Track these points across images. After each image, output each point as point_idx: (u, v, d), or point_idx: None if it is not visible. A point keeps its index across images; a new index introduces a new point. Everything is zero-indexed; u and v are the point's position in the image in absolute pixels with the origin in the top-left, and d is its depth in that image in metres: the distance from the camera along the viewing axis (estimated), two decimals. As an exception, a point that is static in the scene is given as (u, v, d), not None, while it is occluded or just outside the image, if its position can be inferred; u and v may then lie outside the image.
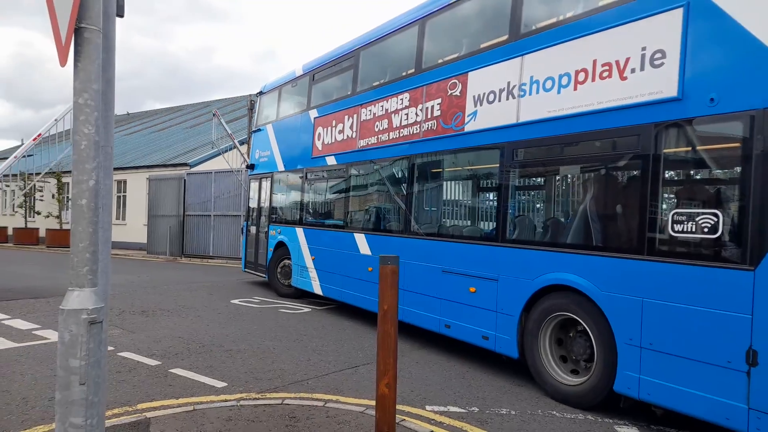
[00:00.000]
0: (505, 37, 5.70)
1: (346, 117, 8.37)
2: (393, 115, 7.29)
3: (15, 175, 25.80)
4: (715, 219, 3.80)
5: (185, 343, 6.39)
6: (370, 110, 7.80)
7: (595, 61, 4.67)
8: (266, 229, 11.20)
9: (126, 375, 5.10)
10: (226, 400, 4.44)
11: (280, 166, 10.62)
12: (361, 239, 7.97)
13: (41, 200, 25.12)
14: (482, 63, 5.90)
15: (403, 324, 6.88)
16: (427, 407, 4.53)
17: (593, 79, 4.68)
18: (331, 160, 8.88)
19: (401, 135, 7.15)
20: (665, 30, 4.17)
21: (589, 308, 4.62)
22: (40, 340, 6.36)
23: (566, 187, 5.66)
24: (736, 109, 3.75)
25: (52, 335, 6.58)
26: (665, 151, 4.18)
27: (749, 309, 3.57)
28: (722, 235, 3.78)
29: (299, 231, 9.79)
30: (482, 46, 6.10)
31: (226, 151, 18.86)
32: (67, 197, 24.32)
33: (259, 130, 11.59)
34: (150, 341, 6.43)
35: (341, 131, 8.51)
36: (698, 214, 3.91)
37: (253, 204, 11.97)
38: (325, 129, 8.95)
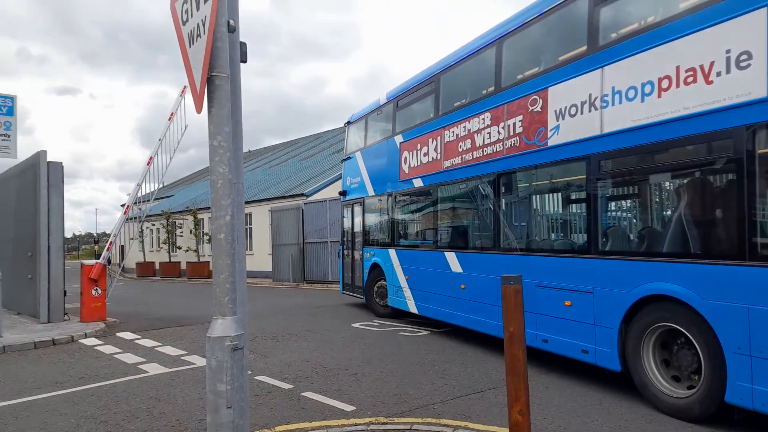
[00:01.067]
0: (583, 51, 5.75)
1: (430, 140, 8.66)
2: (476, 134, 7.47)
3: (159, 215, 28.95)
4: None
5: (313, 367, 6.62)
6: (453, 131, 8.03)
7: (678, 67, 4.64)
8: (361, 252, 11.65)
9: (263, 398, 5.37)
10: (356, 425, 4.49)
11: (370, 191, 11.07)
12: (451, 257, 8.13)
13: (181, 236, 27.88)
14: (562, 77, 5.96)
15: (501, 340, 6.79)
16: (564, 435, 4.23)
17: (677, 85, 4.65)
18: (417, 182, 9.19)
19: (485, 153, 7.28)
20: (749, 31, 4.09)
21: (692, 318, 4.49)
22: (187, 365, 6.95)
23: (658, 195, 5.53)
24: None
25: (197, 360, 7.16)
26: (760, 152, 4.03)
27: None
28: None
29: (392, 252, 10.13)
30: (560, 60, 6.18)
31: None
32: (203, 232, 26.77)
33: (349, 158, 12.10)
34: (282, 365, 6.75)
35: (426, 153, 8.81)
36: None
37: (347, 228, 12.50)
38: (411, 152, 9.31)
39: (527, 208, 7.01)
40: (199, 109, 2.65)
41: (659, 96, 4.80)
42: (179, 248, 27.83)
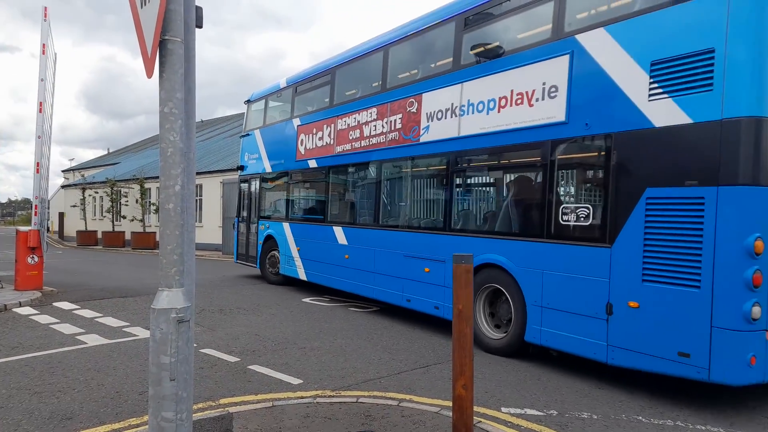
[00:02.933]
0: (449, 67, 7.03)
1: (325, 126, 9.70)
2: (364, 126, 8.61)
3: (103, 182, 27.72)
4: (588, 211, 5.24)
5: (261, 341, 6.60)
6: (345, 121, 9.12)
7: (512, 91, 6.04)
8: (256, 225, 12.52)
9: (208, 371, 5.33)
10: (302, 397, 4.53)
11: (268, 168, 11.85)
12: (339, 231, 9.36)
13: (126, 205, 26.85)
14: (433, 87, 7.21)
15: (378, 302, 8.88)
16: (503, 409, 4.42)
17: (511, 105, 6.06)
18: (312, 163, 10.19)
19: (371, 143, 8.47)
20: (557, 70, 5.52)
21: (508, 280, 6.07)
22: (129, 337, 6.78)
23: (494, 187, 7.07)
24: (601, 131, 5.13)
25: (140, 332, 7.00)
26: (558, 159, 5.59)
27: (607, 274, 4.97)
28: (591, 222, 5.19)
29: (286, 225, 11.17)
30: (433, 72, 7.45)
31: None
32: (150, 202, 25.87)
33: (248, 134, 12.73)
34: (229, 338, 6.70)
35: (321, 138, 9.83)
36: (577, 207, 5.36)
37: (244, 202, 13.20)
38: (307, 136, 10.26)
39: (401, 192, 8.30)
40: (149, 74, 2.54)
41: (499, 111, 6.19)
42: (124, 217, 26.83)
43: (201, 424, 3.69)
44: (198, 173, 24.46)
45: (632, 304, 4.77)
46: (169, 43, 2.52)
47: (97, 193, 30.04)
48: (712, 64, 4.36)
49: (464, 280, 3.50)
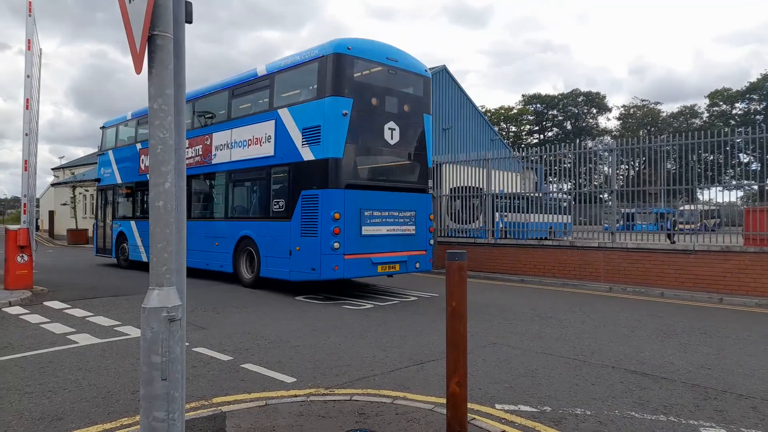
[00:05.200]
0: (225, 118, 11.94)
1: None
2: None
3: (94, 180, 27.40)
4: (283, 203, 10.17)
5: (254, 339, 6.57)
6: None
7: (254, 136, 10.87)
8: (111, 224, 16.42)
9: (201, 370, 5.29)
10: (296, 396, 4.51)
11: (119, 180, 15.99)
12: None
13: (117, 203, 26.62)
14: (218, 129, 12.09)
15: (202, 271, 12.43)
16: (497, 406, 4.42)
17: (254, 144, 10.87)
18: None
19: (187, 163, 11.63)
20: (271, 127, 10.46)
21: (253, 244, 10.75)
22: (121, 336, 6.73)
23: (249, 192, 11.65)
24: (286, 161, 10.13)
25: (131, 331, 6.95)
26: (273, 177, 10.54)
27: (289, 235, 9.88)
28: (284, 209, 10.15)
29: (132, 223, 15.24)
30: (218, 120, 12.35)
31: None
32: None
33: (104, 153, 16.90)
34: (221, 337, 6.66)
35: None
36: (278, 201, 10.30)
37: (101, 207, 17.06)
38: (146, 156, 13.88)
39: (204, 195, 12.98)
40: (138, 70, 2.50)
41: (249, 147, 10.99)
42: (115, 215, 26.59)
43: (193, 423, 3.66)
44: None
45: (297, 248, 9.64)
46: (158, 38, 2.49)
47: (87, 191, 29.81)
48: (319, 132, 9.48)
49: (458, 277, 3.49)
